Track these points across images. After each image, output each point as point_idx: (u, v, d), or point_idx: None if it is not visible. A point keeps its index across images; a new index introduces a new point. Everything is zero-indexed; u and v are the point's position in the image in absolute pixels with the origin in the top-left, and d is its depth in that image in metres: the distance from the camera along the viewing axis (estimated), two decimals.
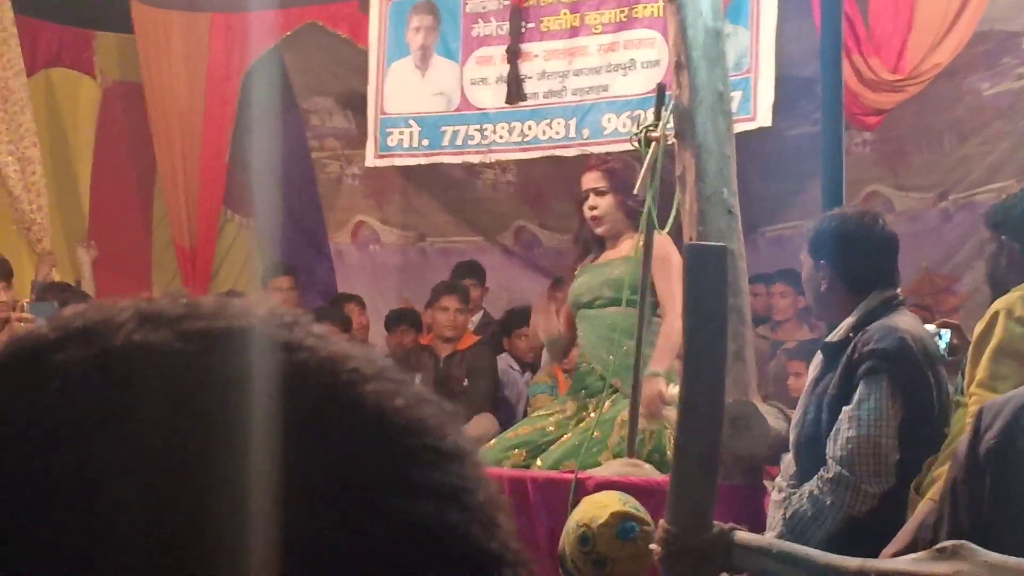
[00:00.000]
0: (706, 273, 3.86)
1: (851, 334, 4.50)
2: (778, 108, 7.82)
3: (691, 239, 5.28)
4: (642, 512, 4.29)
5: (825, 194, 5.81)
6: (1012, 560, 2.61)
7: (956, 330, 4.85)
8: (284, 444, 0.66)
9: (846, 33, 7.71)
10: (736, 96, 7.64)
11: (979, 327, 4.36)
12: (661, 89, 5.79)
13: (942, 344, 4.78)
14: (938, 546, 2.73)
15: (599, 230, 6.30)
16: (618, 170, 6.20)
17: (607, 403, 6.05)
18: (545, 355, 8.88)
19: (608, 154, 6.49)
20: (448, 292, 8.73)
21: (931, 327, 4.87)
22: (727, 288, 4.27)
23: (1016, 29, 8.70)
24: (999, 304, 4.31)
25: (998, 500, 3.24)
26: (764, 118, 7.77)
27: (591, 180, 6.31)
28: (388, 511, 0.67)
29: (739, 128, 7.48)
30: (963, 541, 2.75)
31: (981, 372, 4.20)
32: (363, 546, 0.66)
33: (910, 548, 3.47)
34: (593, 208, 6.26)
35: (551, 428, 6.20)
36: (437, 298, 8.74)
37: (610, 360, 6.04)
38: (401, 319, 9.48)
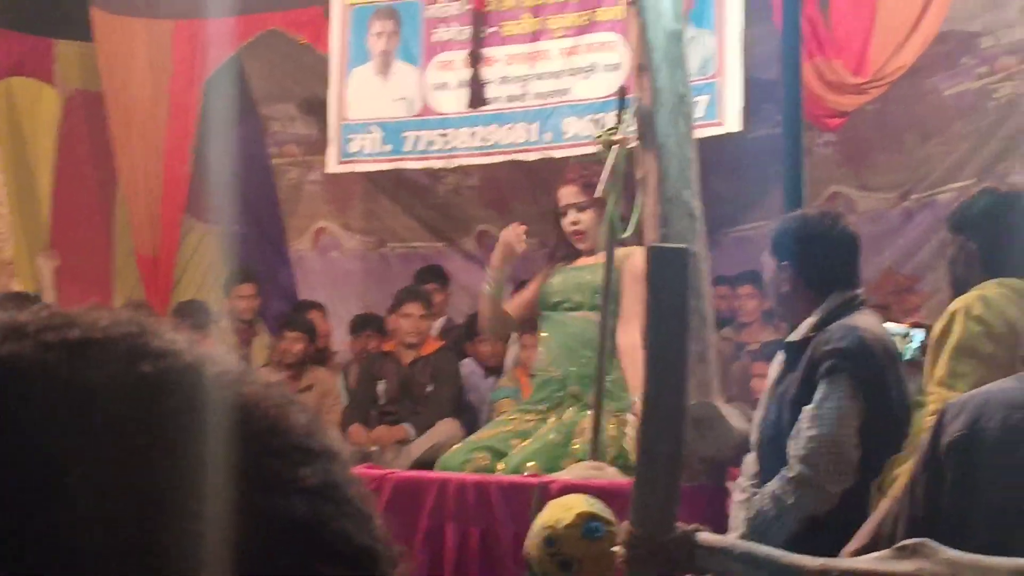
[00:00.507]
0: (668, 275, 3.85)
1: (812, 334, 4.51)
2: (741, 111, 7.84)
3: (653, 241, 5.28)
4: (608, 513, 4.28)
5: (787, 195, 5.83)
6: (971, 557, 2.62)
7: (929, 330, 4.86)
8: (151, 448, 0.66)
9: (808, 36, 7.74)
10: (702, 101, 7.65)
11: (938, 326, 4.38)
12: (622, 92, 5.80)
13: (914, 345, 4.80)
14: (899, 544, 2.74)
15: (582, 246, 6.26)
16: (596, 184, 6.15)
17: (568, 411, 6.04)
18: (508, 359, 8.89)
19: (583, 166, 6.44)
20: (411, 298, 8.71)
21: (902, 328, 4.88)
22: (689, 290, 4.28)
23: (976, 29, 8.75)
24: (957, 303, 4.34)
25: (957, 496, 3.24)
26: (733, 123, 7.78)
27: (570, 195, 6.25)
28: (260, 508, 0.67)
29: (707, 133, 7.52)
30: (924, 539, 2.75)
31: (940, 370, 4.22)
32: (238, 543, 0.65)
33: (871, 546, 3.46)
34: (575, 223, 6.22)
35: (513, 438, 6.18)
36: (400, 304, 8.71)
37: (570, 368, 6.04)
38: (366, 324, 9.46)
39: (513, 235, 6.32)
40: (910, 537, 2.90)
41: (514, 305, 6.59)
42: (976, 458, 3.34)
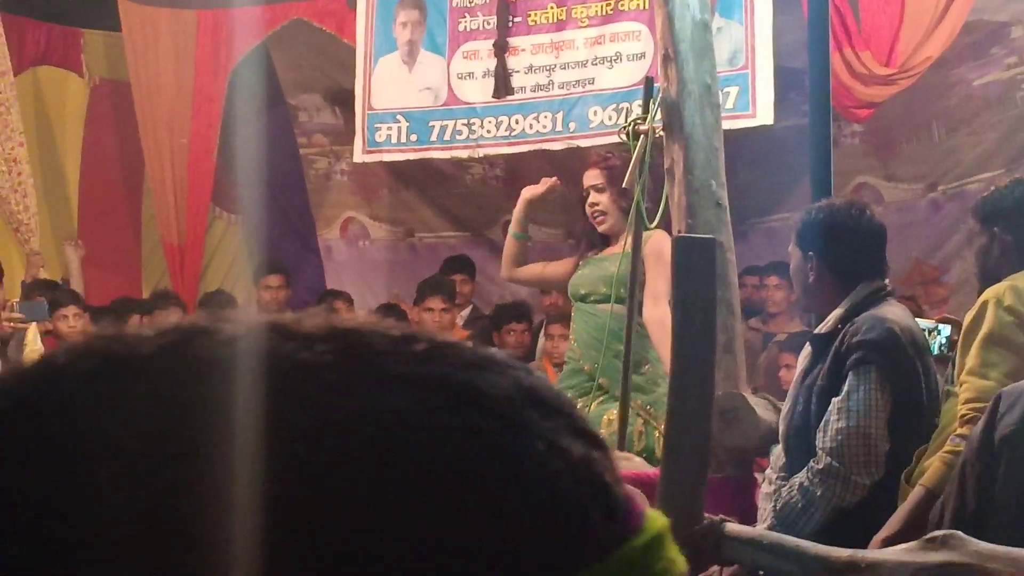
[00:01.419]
0: (695, 265, 3.85)
1: (840, 325, 4.49)
2: None
3: (680, 232, 5.27)
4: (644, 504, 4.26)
5: (814, 186, 5.80)
6: (1001, 549, 2.61)
7: (956, 325, 4.84)
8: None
9: (837, 27, 7.72)
10: (732, 92, 7.64)
11: (968, 316, 4.36)
12: (649, 82, 5.77)
13: (941, 339, 4.78)
14: (928, 536, 2.73)
15: (603, 227, 6.26)
16: (617, 167, 6.15)
17: (594, 404, 6.03)
18: (538, 349, 8.88)
19: (608, 152, 6.46)
20: (433, 292, 8.72)
21: (929, 323, 4.87)
22: (716, 280, 4.27)
23: (1004, 19, 8.70)
24: (988, 294, 4.32)
25: (1009, 486, 3.23)
26: (765, 115, 7.77)
27: (592, 177, 6.28)
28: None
29: (739, 124, 7.51)
30: (954, 531, 2.74)
31: (971, 360, 4.20)
32: None
33: (901, 535, 3.46)
34: (595, 204, 6.24)
35: None
36: (423, 298, 8.74)
37: (600, 361, 6.03)
38: (387, 315, 9.46)
39: (533, 189, 6.57)
40: (959, 527, 2.89)
41: (528, 271, 6.71)
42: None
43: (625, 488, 0.70)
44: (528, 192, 6.69)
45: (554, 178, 6.67)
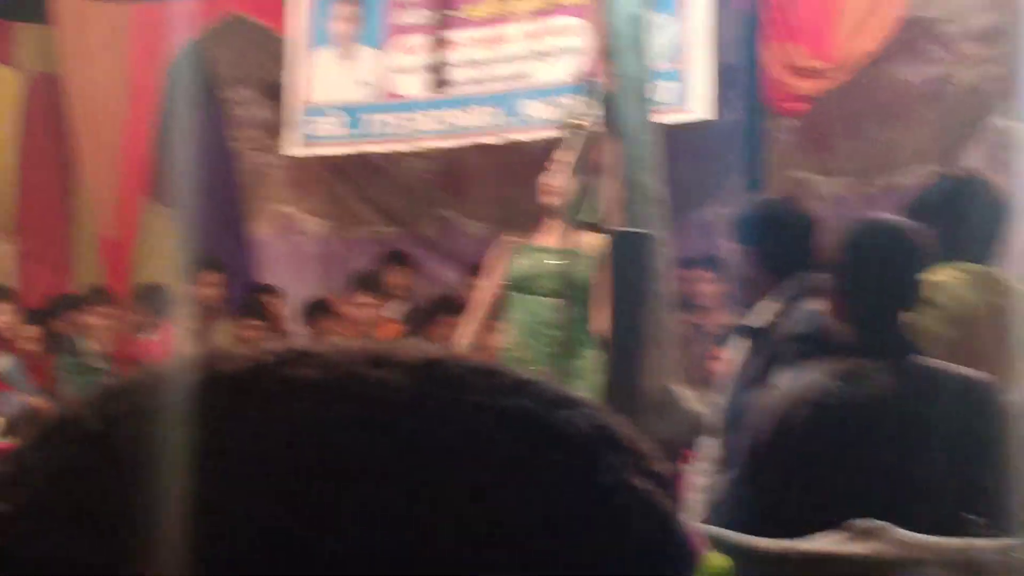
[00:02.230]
0: (630, 259, 3.86)
1: (774, 318, 4.51)
2: None
3: (616, 226, 5.28)
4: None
5: (748, 180, 5.83)
6: (927, 539, 2.63)
7: None
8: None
9: (773, 21, 7.76)
10: (671, 87, 7.68)
11: None
12: (585, 77, 5.78)
13: None
14: (856, 527, 2.75)
15: (548, 200, 6.20)
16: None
17: None
18: (463, 342, 8.86)
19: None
20: (360, 286, 8.71)
21: None
22: (651, 274, 4.29)
23: (938, 15, 8.77)
24: None
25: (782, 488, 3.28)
26: (701, 110, 7.81)
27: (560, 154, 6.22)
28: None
29: (675, 119, 7.53)
30: (882, 522, 2.77)
31: None
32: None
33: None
34: (548, 179, 6.16)
35: None
36: (350, 294, 8.74)
37: (538, 350, 6.04)
38: (318, 310, 9.45)
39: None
40: (738, 523, 2.93)
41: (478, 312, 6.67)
42: (791, 458, 3.45)
43: (686, 526, 0.75)
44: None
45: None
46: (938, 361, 4.07)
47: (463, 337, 6.59)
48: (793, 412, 3.52)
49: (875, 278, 3.62)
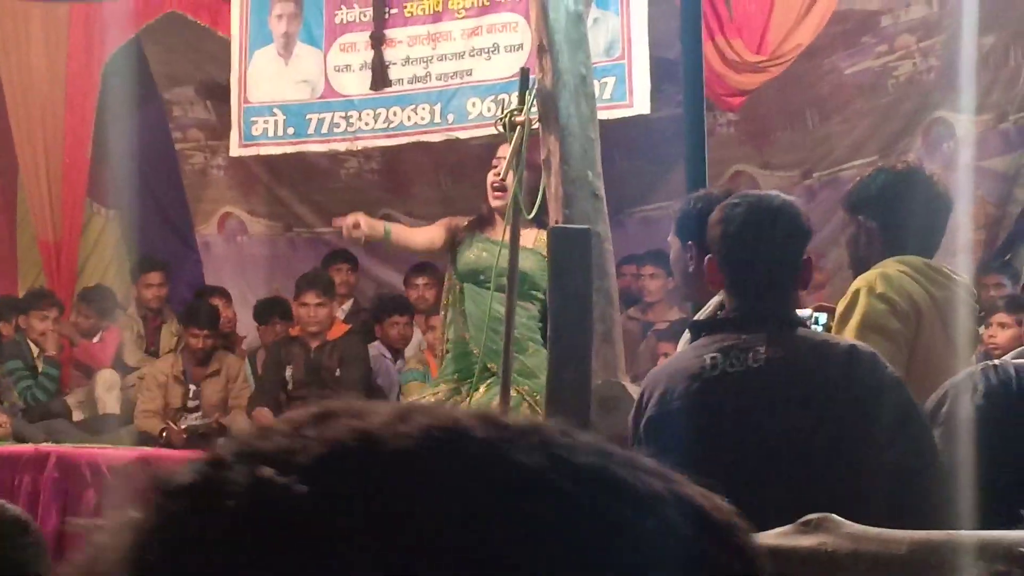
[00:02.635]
0: (570, 255, 3.87)
1: (719, 313, 4.53)
2: None
3: (557, 222, 5.28)
4: None
5: (689, 175, 5.84)
6: (874, 531, 2.64)
7: (831, 313, 4.91)
8: None
9: (709, 15, 7.79)
10: (610, 82, 7.70)
11: (841, 305, 4.42)
12: (524, 73, 5.79)
13: (818, 327, 4.83)
14: (802, 519, 2.76)
15: (497, 203, 6.23)
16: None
17: (481, 388, 6.05)
18: (413, 343, 8.88)
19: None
20: (308, 287, 8.70)
21: (806, 311, 4.92)
22: (592, 270, 4.29)
23: (875, 8, 8.84)
24: (859, 282, 4.38)
25: None
26: (641, 105, 7.84)
27: (505, 151, 6.24)
28: None
29: (616, 115, 7.57)
30: (828, 514, 2.78)
31: None
32: None
33: None
34: (499, 179, 6.17)
35: None
36: (299, 293, 8.73)
37: (489, 344, 6.05)
38: (271, 310, 9.43)
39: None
40: None
41: (399, 236, 6.80)
42: (670, 431, 3.51)
43: None
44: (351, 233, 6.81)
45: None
46: (823, 333, 4.14)
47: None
48: (670, 386, 3.56)
49: (752, 252, 3.64)
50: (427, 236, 6.78)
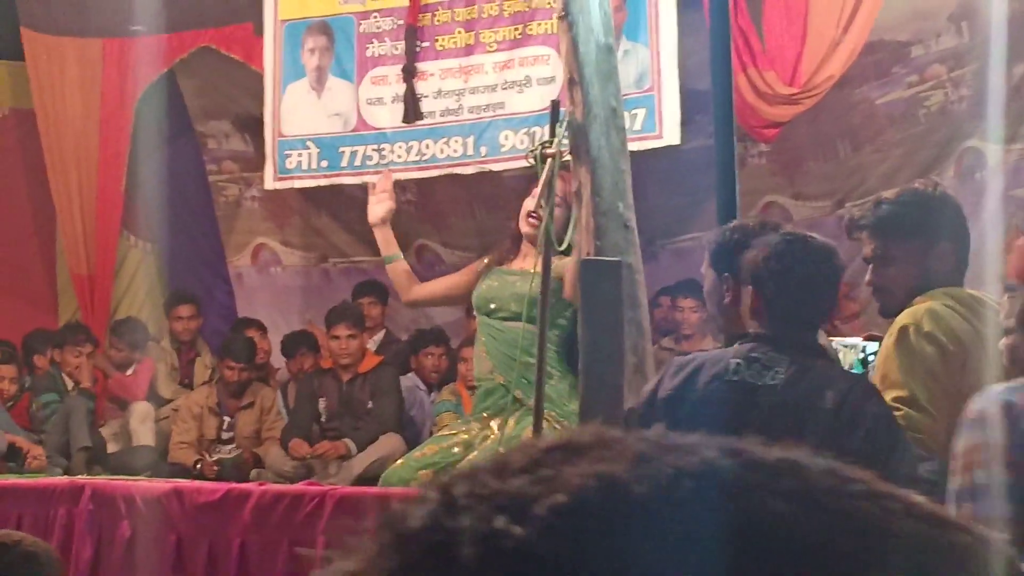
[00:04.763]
0: (602, 287, 3.88)
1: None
2: None
3: (588, 254, 5.29)
4: None
5: (720, 206, 5.84)
6: None
7: (880, 342, 4.83)
8: None
9: (741, 47, 7.79)
10: (640, 114, 7.71)
11: (889, 339, 4.29)
12: (555, 106, 5.80)
13: (868, 356, 4.78)
14: None
15: (528, 230, 6.14)
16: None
17: (511, 421, 6.04)
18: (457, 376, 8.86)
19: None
20: (339, 319, 8.70)
21: (855, 340, 4.88)
22: (623, 301, 4.30)
23: (905, 39, 8.83)
24: (906, 318, 4.24)
25: None
26: (671, 136, 7.83)
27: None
28: None
29: (646, 146, 7.57)
30: None
31: (898, 390, 4.14)
32: None
33: None
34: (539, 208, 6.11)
35: (457, 449, 6.18)
36: (330, 326, 8.74)
37: (512, 375, 6.03)
38: (298, 343, 9.45)
39: (374, 212, 6.82)
40: None
41: (425, 290, 6.74)
42: (679, 412, 3.69)
43: None
44: (372, 217, 6.84)
45: (386, 184, 6.86)
46: (839, 367, 4.27)
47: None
48: (693, 375, 3.79)
49: (795, 287, 3.84)
50: (446, 283, 6.79)
